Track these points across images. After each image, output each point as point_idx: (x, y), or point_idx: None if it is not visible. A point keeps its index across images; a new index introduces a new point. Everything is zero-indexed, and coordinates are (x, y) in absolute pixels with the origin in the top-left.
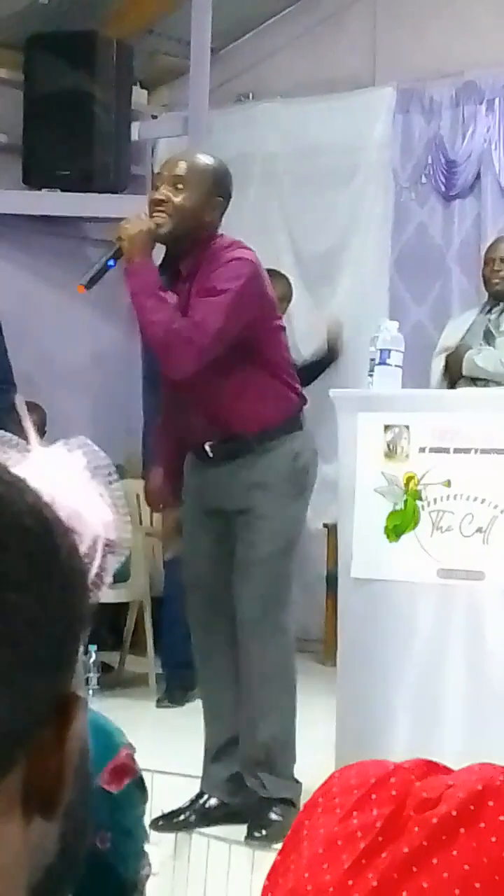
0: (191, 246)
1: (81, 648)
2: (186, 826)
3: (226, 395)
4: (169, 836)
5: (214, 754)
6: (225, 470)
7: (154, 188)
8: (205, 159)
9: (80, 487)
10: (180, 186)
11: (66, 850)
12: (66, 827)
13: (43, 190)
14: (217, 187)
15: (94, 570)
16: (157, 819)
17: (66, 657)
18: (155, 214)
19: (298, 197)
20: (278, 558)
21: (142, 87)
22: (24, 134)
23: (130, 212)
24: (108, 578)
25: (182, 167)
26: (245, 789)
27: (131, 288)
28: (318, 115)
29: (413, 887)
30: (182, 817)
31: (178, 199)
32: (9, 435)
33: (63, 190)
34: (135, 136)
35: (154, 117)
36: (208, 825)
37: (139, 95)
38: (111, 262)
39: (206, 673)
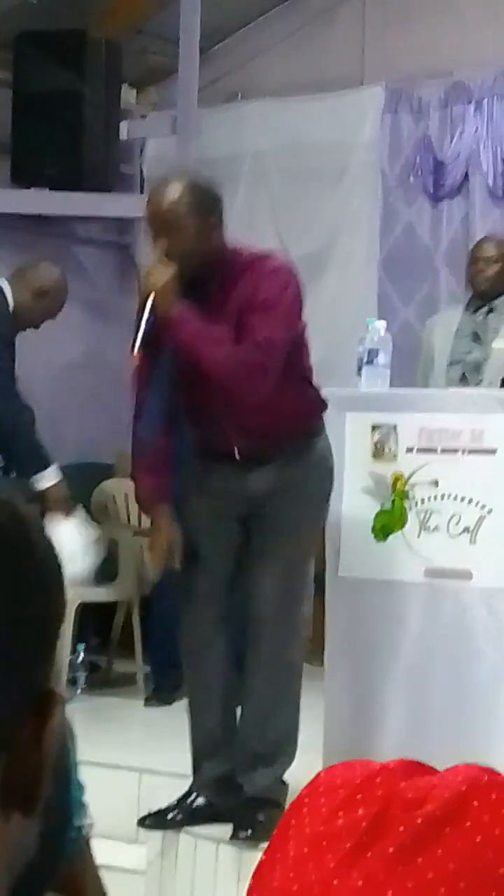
0: (211, 268)
1: (67, 647)
2: (174, 825)
3: (260, 408)
4: (156, 835)
5: (206, 754)
6: (255, 470)
7: (151, 239)
8: (180, 191)
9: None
10: (172, 232)
11: (46, 845)
12: (45, 823)
13: (31, 188)
14: (206, 208)
15: None
16: (145, 818)
17: (43, 654)
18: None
19: (287, 196)
20: (301, 558)
21: (131, 86)
22: (12, 132)
23: (119, 211)
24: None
25: (165, 211)
26: (232, 790)
27: (184, 338)
28: (306, 114)
29: (399, 887)
30: (170, 816)
31: (177, 245)
32: None
33: (52, 189)
34: (123, 135)
35: (143, 116)
36: (195, 824)
37: (128, 94)
38: (152, 318)
39: (197, 673)
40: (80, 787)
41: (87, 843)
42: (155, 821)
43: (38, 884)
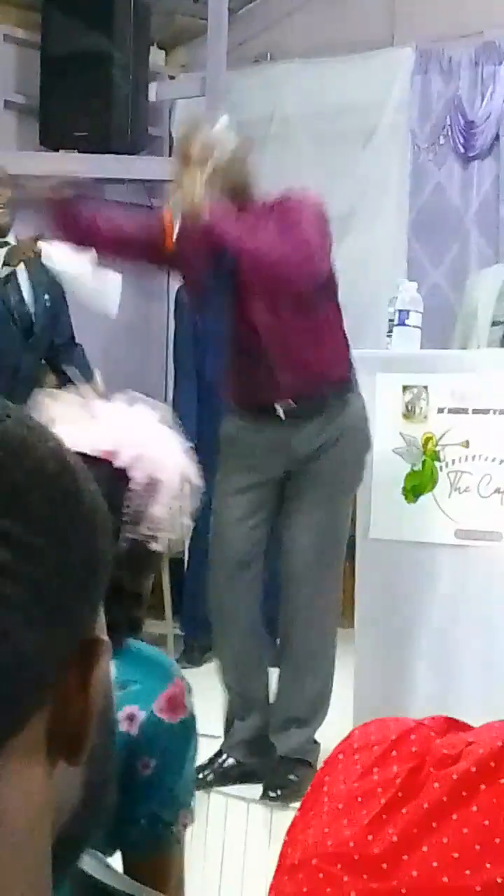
0: (243, 194)
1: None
2: (204, 785)
3: (296, 350)
4: None
5: (238, 714)
6: (299, 429)
7: (182, 166)
8: (206, 124)
9: (159, 436)
10: (200, 161)
11: (91, 796)
12: (90, 773)
13: (60, 151)
14: (241, 149)
15: (179, 511)
16: None
17: (90, 601)
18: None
19: (316, 158)
20: (339, 519)
21: (159, 47)
22: (41, 95)
23: (148, 173)
24: (189, 521)
25: (193, 144)
26: (263, 750)
27: (219, 229)
28: (336, 75)
29: (433, 843)
30: (200, 776)
31: (214, 158)
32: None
33: (80, 151)
34: (152, 96)
35: (172, 78)
36: (226, 784)
37: (157, 56)
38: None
39: (228, 635)
40: (189, 790)
41: (176, 841)
42: None
43: (84, 834)
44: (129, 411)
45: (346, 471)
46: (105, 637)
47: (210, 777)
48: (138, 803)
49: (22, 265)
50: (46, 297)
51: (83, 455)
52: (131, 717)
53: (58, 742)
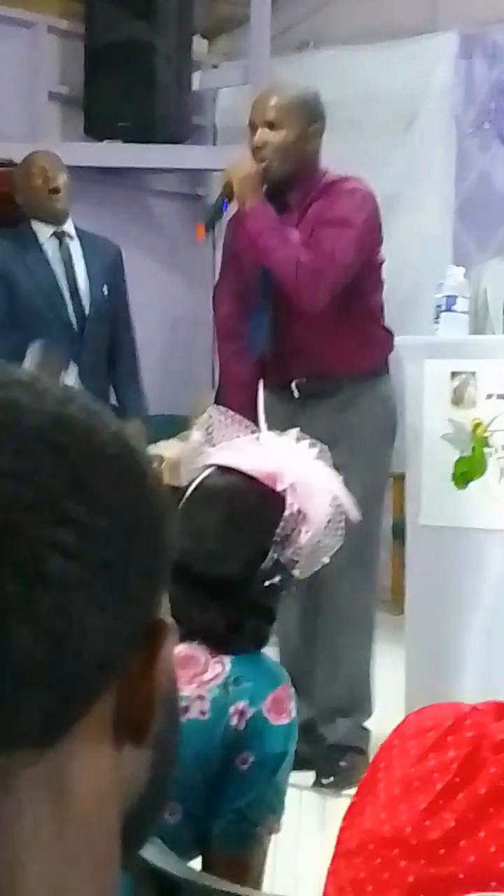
0: (298, 179)
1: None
2: None
3: (323, 331)
4: None
5: None
6: (311, 412)
7: (251, 132)
8: (291, 91)
9: (316, 471)
10: (275, 125)
11: (157, 778)
12: (156, 756)
13: (105, 141)
14: (311, 115)
15: (321, 547)
16: None
17: (155, 584)
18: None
19: (359, 145)
20: (369, 503)
21: (202, 36)
22: (85, 85)
23: (192, 162)
24: (327, 559)
25: (272, 107)
26: (313, 737)
27: (252, 229)
28: (379, 62)
29: (490, 827)
30: None
31: (276, 140)
32: (239, 417)
33: (125, 141)
34: (196, 86)
35: (215, 67)
36: None
37: (199, 45)
38: (225, 204)
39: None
40: (280, 797)
41: (259, 844)
42: None
43: (150, 816)
44: (291, 444)
45: (368, 459)
46: (170, 619)
47: None
48: (230, 798)
49: (77, 239)
50: (105, 285)
51: (248, 476)
52: (241, 713)
53: (124, 724)
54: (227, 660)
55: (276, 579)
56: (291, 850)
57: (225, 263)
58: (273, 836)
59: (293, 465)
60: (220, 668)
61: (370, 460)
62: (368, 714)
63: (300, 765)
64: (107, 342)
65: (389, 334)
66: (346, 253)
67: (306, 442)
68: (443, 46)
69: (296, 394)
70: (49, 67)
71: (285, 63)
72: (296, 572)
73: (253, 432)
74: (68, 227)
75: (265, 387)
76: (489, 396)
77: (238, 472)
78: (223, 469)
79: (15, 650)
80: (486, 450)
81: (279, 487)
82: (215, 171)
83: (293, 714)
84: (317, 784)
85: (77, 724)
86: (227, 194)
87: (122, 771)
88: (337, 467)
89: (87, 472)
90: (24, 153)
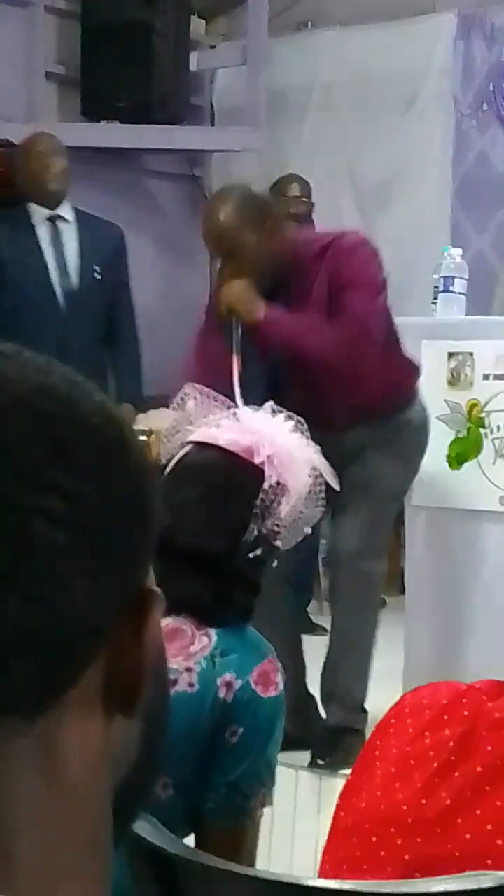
0: (286, 268)
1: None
2: None
3: (358, 377)
4: None
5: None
6: (343, 433)
7: (213, 259)
8: (229, 208)
9: (293, 443)
10: (236, 252)
11: (148, 749)
12: (146, 726)
13: (102, 122)
14: (258, 217)
15: (302, 517)
16: None
17: (142, 552)
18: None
19: (357, 125)
20: (387, 502)
21: (200, 16)
22: (82, 65)
23: (189, 143)
24: (309, 529)
25: (221, 237)
26: (306, 715)
27: (280, 337)
28: (377, 42)
29: (487, 806)
30: None
31: (243, 262)
32: (214, 393)
33: (122, 121)
34: (193, 66)
35: (212, 47)
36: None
37: (197, 25)
38: (239, 326)
39: (268, 610)
40: (271, 770)
41: (251, 817)
42: None
43: (142, 787)
44: (269, 417)
45: (394, 471)
46: (157, 589)
47: None
48: (220, 771)
49: (73, 217)
50: (97, 267)
51: (225, 450)
52: (228, 685)
53: (114, 694)
54: (213, 632)
55: (259, 551)
56: (287, 830)
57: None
58: (270, 816)
59: (270, 437)
60: (206, 640)
61: (395, 475)
62: (364, 694)
63: (295, 745)
64: (100, 325)
65: (413, 362)
66: (372, 306)
67: (283, 415)
68: (441, 27)
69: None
70: (46, 47)
71: (283, 43)
72: (278, 543)
73: (229, 408)
74: (64, 210)
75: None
76: (486, 377)
77: (216, 448)
78: (201, 445)
79: (2, 617)
80: (481, 431)
81: (257, 460)
82: (213, 151)
83: (280, 687)
84: (313, 764)
85: (67, 693)
86: (236, 319)
87: (112, 741)
88: (365, 476)
89: (71, 440)
90: (21, 133)
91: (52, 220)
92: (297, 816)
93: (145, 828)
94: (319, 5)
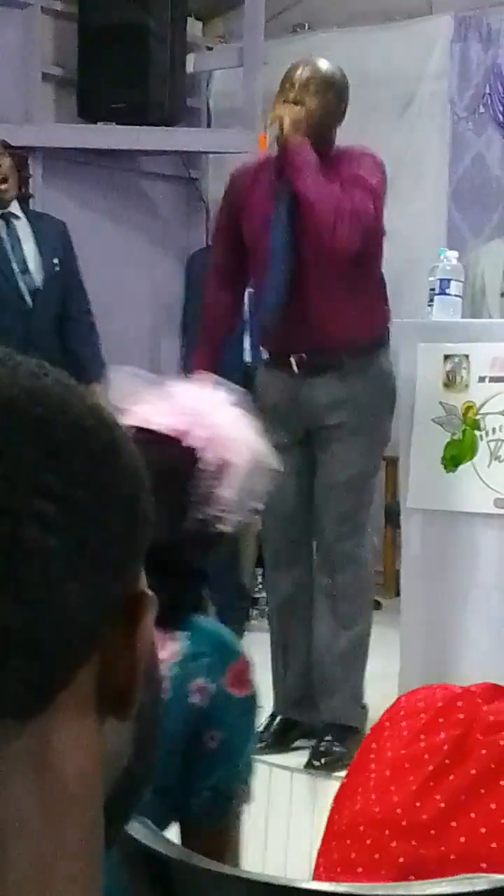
0: (319, 152)
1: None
2: (266, 750)
3: (329, 301)
4: None
5: (283, 668)
6: (311, 385)
7: (284, 91)
8: (324, 67)
9: (232, 419)
10: (311, 91)
11: (141, 753)
12: (139, 729)
13: (98, 123)
14: (341, 96)
15: (249, 494)
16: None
17: (134, 555)
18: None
19: (353, 127)
20: (365, 478)
21: (196, 18)
22: (78, 67)
23: (185, 144)
24: (258, 505)
25: (309, 74)
26: (309, 707)
27: (296, 164)
28: (374, 44)
29: (481, 809)
30: (262, 743)
31: (311, 106)
32: (143, 372)
33: (118, 123)
34: (190, 68)
35: (209, 49)
36: (287, 746)
37: (194, 27)
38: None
39: (280, 603)
40: (250, 767)
41: (236, 816)
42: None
43: (135, 792)
44: (205, 393)
45: (367, 429)
46: (150, 592)
47: (270, 740)
48: (202, 775)
49: (24, 219)
50: (56, 260)
51: (153, 433)
52: (201, 689)
53: (106, 697)
54: (181, 635)
55: (204, 538)
56: (282, 832)
57: (228, 217)
58: (265, 818)
59: (207, 416)
60: (175, 645)
61: (371, 432)
62: (361, 691)
63: (306, 735)
64: (57, 314)
65: (386, 304)
66: (371, 205)
67: (222, 389)
68: (437, 30)
69: (295, 369)
70: (43, 49)
71: (280, 45)
72: (224, 527)
73: (161, 386)
74: (13, 208)
75: (264, 363)
76: (481, 379)
77: (147, 432)
78: (132, 430)
79: None
80: (476, 433)
81: (187, 443)
82: (209, 153)
83: (253, 686)
84: (309, 766)
85: (59, 695)
86: (280, 128)
87: (105, 744)
88: (338, 431)
89: (64, 444)
90: (17, 135)
91: (4, 218)
92: (292, 818)
93: (139, 830)
94: (316, 8)
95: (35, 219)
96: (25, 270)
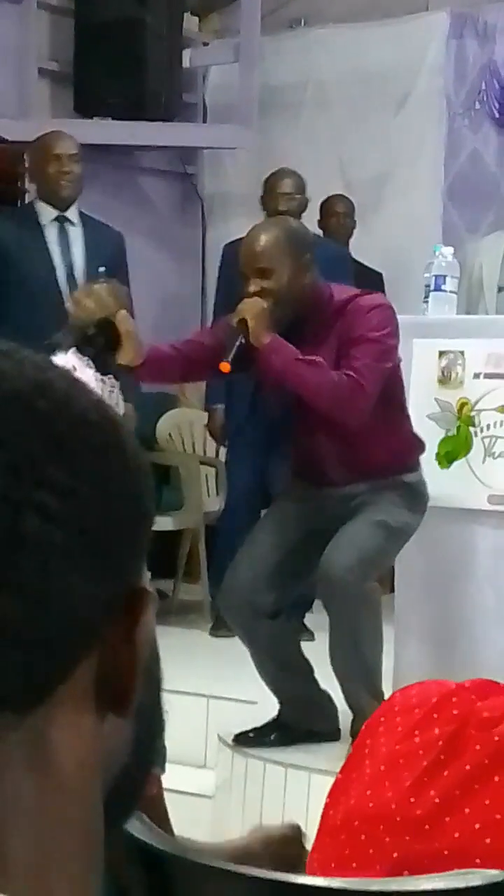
0: (305, 313)
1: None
2: (267, 745)
3: (362, 440)
4: (225, 760)
5: (277, 685)
6: (340, 493)
7: (244, 282)
8: (274, 233)
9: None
10: (266, 274)
11: (140, 749)
12: (138, 726)
13: (94, 118)
14: (299, 249)
15: None
16: (239, 735)
17: (135, 550)
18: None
19: (350, 123)
20: (382, 531)
21: (193, 13)
22: (75, 62)
23: (182, 140)
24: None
25: (259, 254)
26: (330, 711)
27: (277, 366)
28: (370, 41)
29: (475, 804)
30: (262, 739)
31: (270, 286)
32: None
33: (114, 118)
34: (186, 63)
35: (205, 44)
36: (289, 744)
37: (190, 22)
38: (242, 340)
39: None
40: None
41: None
42: (248, 739)
43: (134, 788)
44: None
45: (394, 509)
46: (150, 589)
47: (272, 740)
48: None
49: (79, 220)
50: (101, 268)
51: None
52: None
53: (105, 692)
54: None
55: None
56: None
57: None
58: (258, 813)
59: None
60: None
61: (392, 509)
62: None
63: (321, 738)
64: None
65: (414, 433)
66: (375, 366)
67: (83, 359)
68: (434, 26)
69: (329, 503)
70: (39, 44)
71: (276, 41)
72: None
73: None
74: (71, 213)
75: (282, 497)
76: (476, 376)
77: None
78: None
79: None
80: (471, 429)
81: None
82: (205, 148)
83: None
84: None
85: (57, 689)
86: (243, 331)
87: (104, 740)
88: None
89: (68, 437)
90: (13, 129)
91: (60, 221)
92: (286, 814)
93: (134, 825)
94: (312, 3)
95: (91, 226)
96: (70, 275)
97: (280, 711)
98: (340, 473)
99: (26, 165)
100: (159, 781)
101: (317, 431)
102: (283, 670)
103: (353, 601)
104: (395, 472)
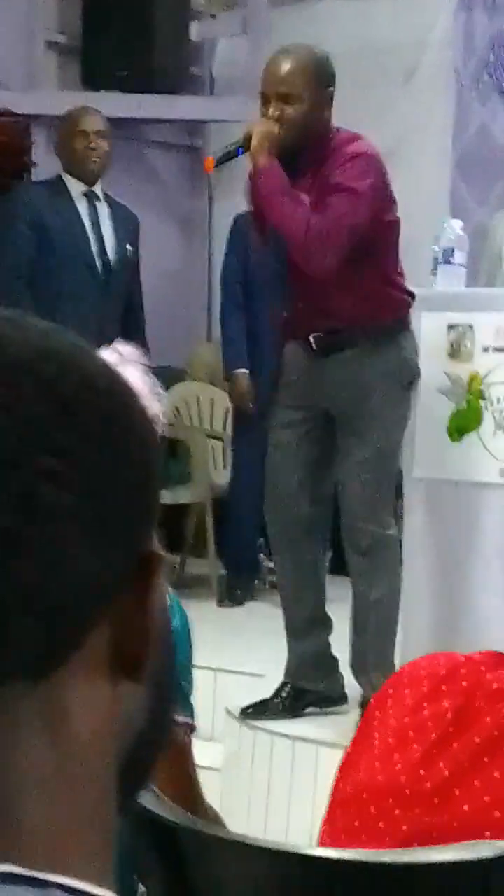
0: (310, 145)
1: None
2: (276, 714)
3: (337, 291)
4: (233, 733)
5: (298, 633)
6: (330, 365)
7: (263, 104)
8: (302, 57)
9: (137, 380)
10: (289, 99)
11: (154, 716)
12: (152, 692)
13: (102, 91)
14: (322, 81)
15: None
16: (247, 708)
17: (146, 515)
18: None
19: (358, 96)
20: (387, 458)
21: None
22: (83, 35)
23: (189, 113)
24: None
25: (284, 78)
26: (329, 671)
27: (263, 188)
28: (379, 13)
29: (485, 777)
30: (278, 705)
31: (290, 113)
32: None
33: (122, 91)
34: (193, 36)
35: (213, 16)
36: (298, 712)
37: None
38: (239, 151)
39: (287, 582)
40: (192, 689)
41: (187, 735)
42: (257, 711)
43: (148, 755)
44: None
45: (391, 412)
46: (162, 554)
47: (280, 707)
48: None
49: (105, 203)
50: (129, 247)
51: None
52: None
53: (119, 659)
54: None
55: None
56: (284, 801)
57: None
58: (267, 786)
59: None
60: None
61: (389, 415)
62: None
63: (321, 702)
64: (124, 298)
65: (407, 294)
66: (351, 217)
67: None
68: None
69: (313, 347)
70: (46, 16)
71: (284, 14)
72: None
73: None
74: (97, 189)
75: (289, 339)
76: (486, 349)
77: None
78: None
79: (6, 579)
80: (481, 403)
81: None
82: (212, 121)
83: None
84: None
85: (71, 656)
86: (244, 144)
87: (118, 707)
88: (359, 418)
89: (75, 402)
90: (20, 102)
91: (88, 196)
92: (294, 787)
93: (146, 797)
94: None
95: (114, 205)
96: (102, 250)
97: (288, 673)
98: (319, 326)
99: (33, 139)
100: (188, 731)
101: (303, 278)
102: (312, 609)
103: (377, 548)
104: (377, 332)
